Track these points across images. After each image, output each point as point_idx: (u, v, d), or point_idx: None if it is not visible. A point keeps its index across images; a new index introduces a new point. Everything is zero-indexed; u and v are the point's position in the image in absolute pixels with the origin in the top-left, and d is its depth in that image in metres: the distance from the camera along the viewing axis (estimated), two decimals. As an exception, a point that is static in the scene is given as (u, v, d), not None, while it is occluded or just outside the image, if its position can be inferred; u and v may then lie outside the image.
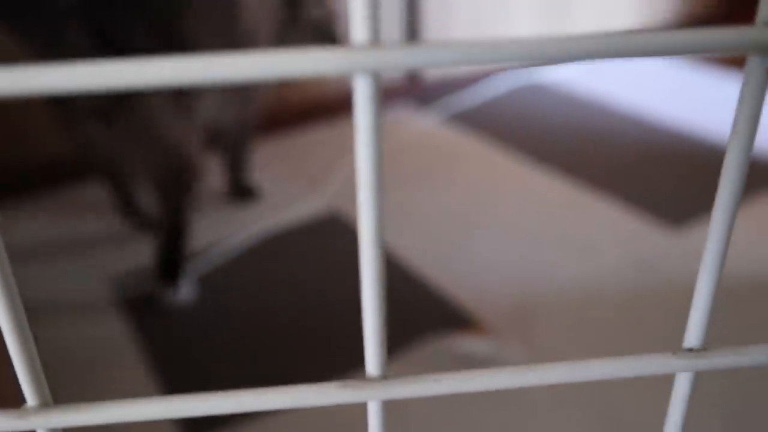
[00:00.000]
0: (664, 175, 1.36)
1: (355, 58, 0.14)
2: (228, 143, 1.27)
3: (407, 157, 1.47)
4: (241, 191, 1.32)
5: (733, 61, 2.04)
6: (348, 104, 1.70)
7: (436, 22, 1.75)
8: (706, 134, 1.54)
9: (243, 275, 1.09)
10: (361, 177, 0.15)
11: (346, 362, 0.90)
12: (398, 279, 1.07)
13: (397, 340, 0.94)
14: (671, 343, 0.91)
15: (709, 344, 0.91)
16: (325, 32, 1.30)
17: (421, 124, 1.64)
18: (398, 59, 0.14)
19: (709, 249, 0.16)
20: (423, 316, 0.99)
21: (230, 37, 1.06)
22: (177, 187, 1.01)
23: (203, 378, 0.89)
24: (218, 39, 1.03)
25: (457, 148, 1.50)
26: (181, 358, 0.92)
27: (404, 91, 1.77)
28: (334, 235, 1.19)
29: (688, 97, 1.77)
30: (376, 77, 0.14)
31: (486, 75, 1.89)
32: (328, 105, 1.65)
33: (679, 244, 1.13)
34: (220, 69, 0.14)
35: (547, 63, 0.14)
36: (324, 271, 1.09)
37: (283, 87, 1.59)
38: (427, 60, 0.14)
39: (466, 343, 0.92)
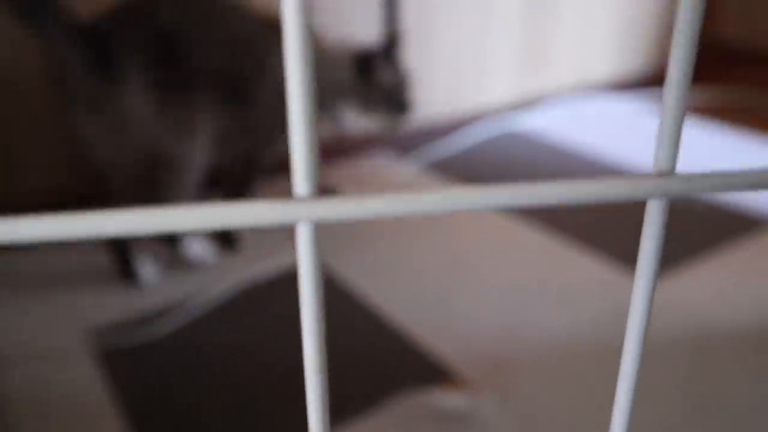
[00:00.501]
0: (640, 225, 1.39)
1: (297, 210, 0.15)
2: (230, 178, 1.30)
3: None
4: (224, 239, 1.33)
5: (713, 110, 2.10)
6: (329, 152, 1.72)
7: (415, 56, 1.79)
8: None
9: (222, 326, 1.10)
10: (304, 305, 0.17)
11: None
12: (375, 332, 1.08)
13: (374, 394, 0.94)
14: (650, 392, 0.93)
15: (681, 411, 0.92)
16: (397, 98, 1.34)
17: (401, 172, 1.67)
18: (339, 211, 0.16)
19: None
20: (401, 370, 0.99)
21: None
22: (140, 183, 1.10)
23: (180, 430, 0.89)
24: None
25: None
26: (157, 410, 0.92)
27: (384, 140, 1.79)
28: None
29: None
30: (316, 227, 0.16)
31: (464, 123, 1.92)
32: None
33: (658, 293, 1.15)
34: (160, 220, 0.15)
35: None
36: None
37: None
38: (369, 210, 0.16)
39: (443, 398, 0.93)
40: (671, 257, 1.27)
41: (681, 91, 0.16)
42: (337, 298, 1.17)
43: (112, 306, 1.16)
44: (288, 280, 1.22)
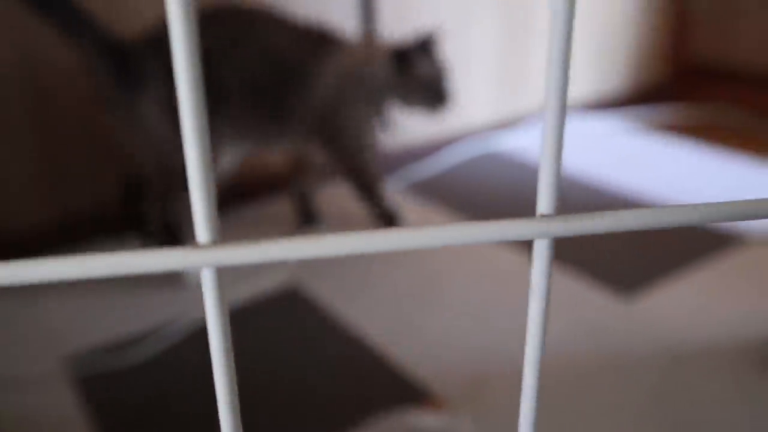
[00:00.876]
0: (614, 243, 1.41)
1: (200, 256, 0.16)
2: (353, 190, 1.39)
3: (363, 229, 1.50)
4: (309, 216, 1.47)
5: (688, 129, 2.13)
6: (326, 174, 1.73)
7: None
8: (657, 201, 1.60)
9: (199, 351, 1.10)
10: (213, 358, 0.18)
11: (300, 441, 0.91)
12: (351, 353, 1.08)
13: (350, 415, 0.94)
14: (624, 408, 0.94)
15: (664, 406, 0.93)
16: (437, 90, 1.34)
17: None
18: (239, 256, 0.17)
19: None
20: (377, 390, 1.00)
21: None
22: (159, 186, 1.24)
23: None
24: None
25: (415, 218, 1.54)
26: (135, 442, 0.92)
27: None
28: (296, 309, 1.21)
29: (640, 163, 1.83)
30: (219, 272, 0.17)
31: (445, 144, 1.94)
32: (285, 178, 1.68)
33: (631, 311, 1.17)
34: (62, 269, 0.16)
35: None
36: (285, 345, 1.10)
37: (245, 159, 1.63)
38: (270, 255, 0.17)
39: (419, 418, 0.94)
40: (643, 276, 1.28)
41: (558, 139, 0.17)
42: (312, 320, 1.17)
43: (90, 331, 1.16)
44: (265, 305, 1.22)
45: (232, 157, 1.28)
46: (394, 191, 1.69)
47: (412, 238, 0.17)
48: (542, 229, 0.17)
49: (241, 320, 1.18)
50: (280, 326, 1.16)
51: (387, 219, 1.40)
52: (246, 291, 1.27)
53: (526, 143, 1.99)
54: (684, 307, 1.18)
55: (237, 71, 1.21)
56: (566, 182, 1.72)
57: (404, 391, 1.00)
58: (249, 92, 1.22)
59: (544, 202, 0.17)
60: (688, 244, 1.40)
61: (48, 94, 1.34)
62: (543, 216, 0.17)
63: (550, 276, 0.18)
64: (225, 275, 1.32)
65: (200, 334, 1.14)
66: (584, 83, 2.24)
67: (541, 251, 0.17)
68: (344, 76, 1.31)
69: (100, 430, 0.94)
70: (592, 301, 1.20)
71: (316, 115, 1.30)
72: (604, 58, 2.27)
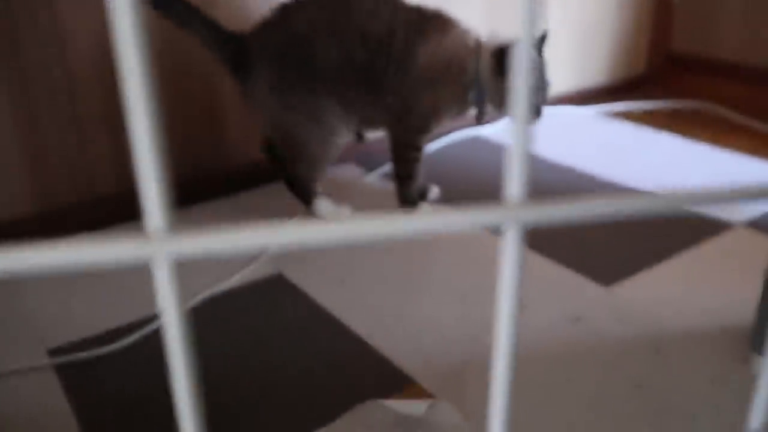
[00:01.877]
0: (596, 230, 1.41)
1: (152, 247, 0.16)
2: (393, 164, 1.46)
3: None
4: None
5: (667, 121, 2.13)
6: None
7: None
8: (637, 189, 1.60)
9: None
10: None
11: (288, 426, 0.90)
12: (335, 342, 1.08)
13: (335, 404, 0.94)
14: (606, 395, 0.94)
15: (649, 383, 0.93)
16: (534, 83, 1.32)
17: (366, 182, 1.67)
18: (194, 246, 0.16)
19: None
20: (360, 378, 1.00)
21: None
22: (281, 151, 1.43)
23: (138, 451, 0.88)
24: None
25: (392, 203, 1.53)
26: (118, 425, 0.91)
27: (348, 150, 1.80)
28: (279, 295, 1.20)
29: (619, 155, 1.83)
30: (174, 264, 0.16)
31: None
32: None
33: (613, 299, 1.17)
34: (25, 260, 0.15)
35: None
36: (268, 332, 1.10)
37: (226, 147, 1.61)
38: (225, 245, 0.16)
39: (403, 405, 0.93)
40: (625, 263, 1.28)
41: (526, 125, 0.16)
42: (295, 307, 1.17)
43: (73, 322, 1.15)
44: (248, 292, 1.22)
45: (345, 136, 1.40)
46: (379, 178, 1.68)
47: (381, 226, 0.17)
48: (512, 216, 0.16)
49: (224, 307, 1.17)
50: (263, 313, 1.15)
51: (407, 207, 1.46)
52: (231, 278, 1.26)
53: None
54: (666, 294, 1.18)
55: (339, 53, 1.30)
56: (555, 171, 1.72)
57: (387, 378, 0.99)
58: (351, 72, 1.31)
59: (515, 187, 0.16)
60: (670, 230, 1.40)
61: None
62: (513, 203, 0.16)
63: (521, 265, 0.17)
64: (211, 261, 1.32)
65: (191, 318, 1.13)
66: (566, 76, 2.24)
67: (511, 238, 0.17)
68: (439, 63, 1.33)
69: (83, 419, 0.93)
70: (574, 289, 1.20)
71: (403, 95, 1.35)
72: (586, 52, 2.27)
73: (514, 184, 0.16)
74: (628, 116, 2.11)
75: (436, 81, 1.34)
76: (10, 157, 1.35)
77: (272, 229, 0.16)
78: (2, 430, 0.91)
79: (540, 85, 1.35)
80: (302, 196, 1.43)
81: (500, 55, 1.31)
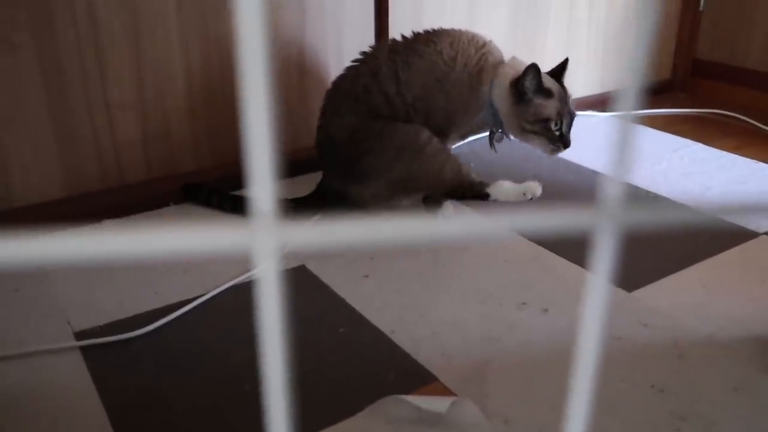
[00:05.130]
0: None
1: (266, 234, 0.16)
2: None
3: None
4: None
5: (691, 128, 2.12)
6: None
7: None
8: (660, 195, 1.59)
9: (209, 327, 1.10)
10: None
11: (309, 418, 0.91)
12: (359, 337, 1.09)
13: (356, 399, 0.95)
14: (626, 400, 0.94)
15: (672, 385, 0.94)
16: (551, 128, 1.35)
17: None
18: (304, 236, 0.16)
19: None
20: (383, 374, 1.00)
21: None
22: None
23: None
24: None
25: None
26: (143, 410, 0.93)
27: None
28: (302, 287, 1.21)
29: (643, 158, 1.83)
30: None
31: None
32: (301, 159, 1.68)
33: (634, 304, 1.17)
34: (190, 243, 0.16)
35: None
36: (291, 323, 1.10)
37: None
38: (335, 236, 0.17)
39: (424, 401, 0.94)
40: (649, 268, 1.28)
41: (630, 127, 0.17)
42: (318, 302, 1.17)
43: (100, 306, 1.16)
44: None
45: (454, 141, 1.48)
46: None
47: (471, 228, 0.17)
48: (609, 218, 0.17)
49: (246, 297, 1.18)
50: (284, 304, 1.16)
51: (432, 206, 1.46)
52: (251, 269, 1.27)
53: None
54: (690, 300, 1.18)
55: (409, 90, 1.36)
56: (569, 173, 1.72)
57: (409, 374, 1.00)
58: (420, 101, 1.37)
59: (613, 189, 0.17)
60: (694, 237, 1.39)
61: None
62: (611, 205, 0.17)
63: (612, 268, 0.18)
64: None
65: (209, 310, 1.15)
66: (590, 81, 2.24)
67: (606, 241, 0.17)
68: (441, 63, 1.36)
69: (108, 400, 0.95)
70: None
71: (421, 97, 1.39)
72: (611, 57, 2.26)
73: (612, 186, 0.17)
74: (651, 122, 2.10)
75: (446, 81, 1.36)
76: (44, 139, 1.37)
77: (378, 224, 0.17)
78: (29, 408, 0.93)
79: (568, 115, 1.34)
80: (476, 196, 1.42)
81: (517, 83, 1.31)
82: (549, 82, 1.35)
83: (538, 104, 1.32)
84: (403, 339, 1.08)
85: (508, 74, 1.34)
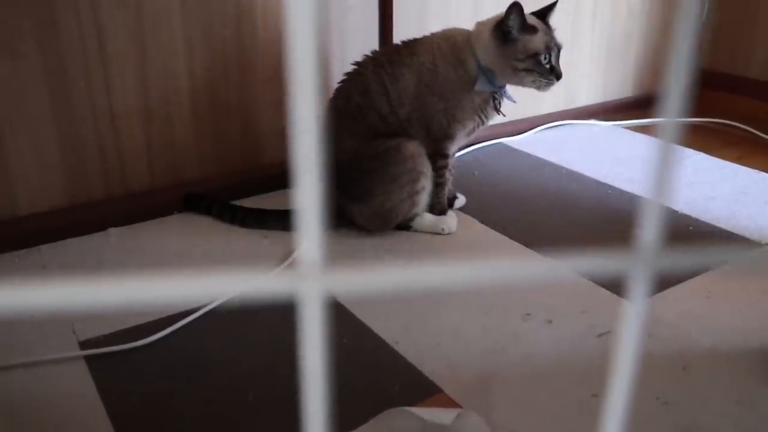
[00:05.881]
0: (623, 245, 1.41)
1: (308, 281, 0.16)
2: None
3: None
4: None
5: (693, 138, 2.13)
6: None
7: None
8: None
9: (213, 337, 1.10)
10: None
11: None
12: (364, 347, 1.09)
13: (361, 410, 0.95)
14: (630, 412, 0.94)
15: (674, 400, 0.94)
16: (538, 61, 1.34)
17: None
18: (349, 283, 0.17)
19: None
20: (388, 385, 1.00)
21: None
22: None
23: (168, 447, 0.89)
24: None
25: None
26: (147, 418, 0.93)
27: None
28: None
29: (645, 167, 1.83)
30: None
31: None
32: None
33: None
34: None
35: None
36: (296, 333, 1.11)
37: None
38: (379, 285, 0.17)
39: (429, 413, 0.94)
40: (658, 277, 1.28)
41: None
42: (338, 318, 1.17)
43: (104, 314, 1.16)
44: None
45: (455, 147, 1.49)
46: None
47: (507, 271, 0.17)
48: (644, 262, 0.17)
49: (253, 307, 1.18)
50: (289, 315, 1.16)
51: (437, 214, 1.47)
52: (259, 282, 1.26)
53: (536, 143, 1.99)
54: (694, 311, 1.18)
55: (401, 105, 1.38)
56: (570, 181, 1.72)
57: (414, 385, 1.00)
58: (415, 112, 1.39)
59: (649, 234, 0.17)
60: (698, 248, 1.39)
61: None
62: (647, 249, 0.17)
63: (645, 313, 0.18)
64: (240, 265, 1.33)
65: (213, 319, 1.15)
66: (592, 89, 2.24)
67: (640, 286, 0.17)
68: (427, 68, 1.38)
69: (112, 409, 0.95)
70: (604, 304, 1.20)
71: (417, 107, 1.41)
72: (613, 66, 2.26)
73: (648, 230, 0.17)
74: (654, 131, 2.11)
75: (434, 84, 1.37)
76: (48, 147, 1.37)
77: (414, 271, 0.17)
78: (34, 417, 0.93)
79: (556, 48, 1.35)
80: (402, 226, 1.46)
81: (500, 25, 1.32)
82: (531, 20, 1.36)
83: (525, 40, 1.33)
84: (407, 350, 1.08)
85: (484, 29, 1.36)
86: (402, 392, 0.99)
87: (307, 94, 0.16)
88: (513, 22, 1.31)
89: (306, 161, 0.15)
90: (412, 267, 0.16)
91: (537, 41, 1.33)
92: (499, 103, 1.41)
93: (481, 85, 1.36)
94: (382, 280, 0.16)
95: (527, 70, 1.33)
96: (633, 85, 2.34)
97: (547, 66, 1.34)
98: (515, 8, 1.30)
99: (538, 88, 1.37)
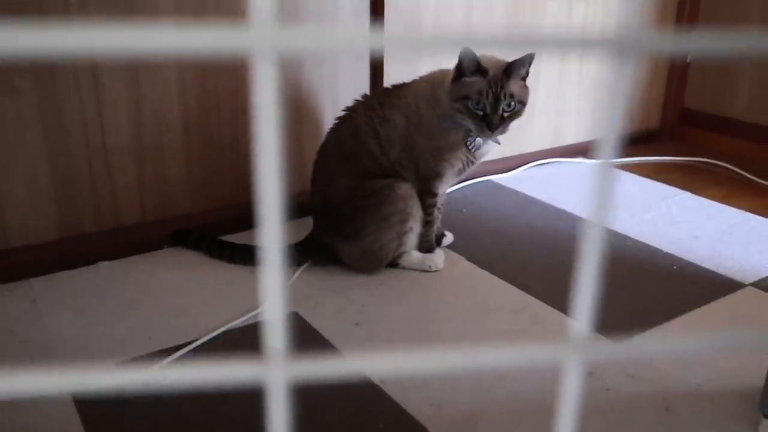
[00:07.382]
0: (607, 286, 1.42)
1: (271, 370, 0.18)
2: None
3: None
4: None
5: (677, 177, 2.16)
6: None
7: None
8: (645, 244, 1.62)
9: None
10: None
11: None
12: (348, 385, 1.09)
13: (346, 449, 0.96)
14: (610, 457, 0.95)
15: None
16: (476, 109, 1.34)
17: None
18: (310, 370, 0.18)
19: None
20: (373, 423, 1.01)
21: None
22: None
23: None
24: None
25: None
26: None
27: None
28: (294, 333, 1.22)
29: (631, 206, 1.86)
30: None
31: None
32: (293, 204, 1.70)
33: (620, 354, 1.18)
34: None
35: None
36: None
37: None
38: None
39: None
40: (637, 320, 1.30)
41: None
42: (308, 348, 1.18)
43: (91, 351, 1.17)
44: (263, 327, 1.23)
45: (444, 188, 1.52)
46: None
47: (456, 359, 0.19)
48: (576, 353, 0.18)
49: (238, 341, 1.19)
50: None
51: (425, 252, 1.50)
52: (243, 315, 1.28)
53: (522, 181, 2.02)
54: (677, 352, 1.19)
55: (391, 146, 1.42)
56: (556, 219, 1.74)
57: (399, 423, 1.01)
58: (404, 152, 1.43)
59: (580, 325, 0.19)
60: (681, 288, 1.42)
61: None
62: (576, 339, 0.19)
63: (579, 400, 0.19)
64: (226, 299, 1.34)
65: (201, 355, 1.15)
66: (580, 127, 2.28)
67: (574, 376, 0.19)
68: (411, 111, 1.43)
69: (96, 450, 0.95)
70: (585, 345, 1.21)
71: (404, 149, 1.45)
72: (600, 105, 2.30)
73: (580, 322, 0.19)
74: (641, 170, 2.14)
75: (420, 124, 1.42)
76: (41, 181, 1.39)
77: (376, 359, 0.18)
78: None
79: (492, 96, 1.33)
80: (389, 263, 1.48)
81: (456, 67, 1.34)
82: (488, 65, 1.34)
83: (464, 82, 1.34)
84: (392, 388, 1.08)
85: (452, 71, 1.38)
86: (386, 430, 0.99)
87: (270, 148, 0.18)
88: (463, 64, 1.33)
89: (269, 205, 0.17)
90: (376, 353, 0.18)
91: (471, 85, 1.33)
92: (470, 142, 1.42)
93: (446, 122, 1.39)
94: (347, 366, 0.18)
95: (460, 112, 1.35)
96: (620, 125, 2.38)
97: (479, 113, 1.34)
98: (462, 51, 1.31)
99: (478, 135, 1.38)
